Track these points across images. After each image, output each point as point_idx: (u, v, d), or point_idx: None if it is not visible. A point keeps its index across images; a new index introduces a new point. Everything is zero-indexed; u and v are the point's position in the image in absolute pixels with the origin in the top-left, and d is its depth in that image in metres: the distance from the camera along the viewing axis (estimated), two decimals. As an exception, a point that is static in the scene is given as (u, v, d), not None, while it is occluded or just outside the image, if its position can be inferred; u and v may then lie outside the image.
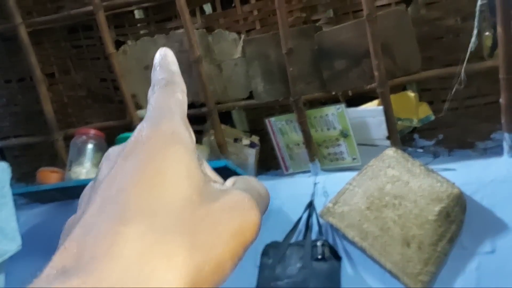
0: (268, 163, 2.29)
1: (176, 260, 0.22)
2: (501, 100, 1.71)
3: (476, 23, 1.68)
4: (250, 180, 0.31)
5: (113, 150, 0.29)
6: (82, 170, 2.01)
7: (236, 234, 0.25)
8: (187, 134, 0.27)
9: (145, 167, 0.24)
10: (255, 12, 2.09)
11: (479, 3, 1.69)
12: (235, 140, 2.19)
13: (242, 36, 2.08)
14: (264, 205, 0.29)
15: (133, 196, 0.23)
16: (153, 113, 0.28)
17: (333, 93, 1.95)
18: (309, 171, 2.09)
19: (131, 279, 0.21)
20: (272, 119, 2.10)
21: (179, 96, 0.30)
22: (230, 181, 0.31)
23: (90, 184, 0.29)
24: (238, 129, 2.29)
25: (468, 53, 1.70)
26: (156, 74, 0.31)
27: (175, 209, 0.23)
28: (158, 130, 0.26)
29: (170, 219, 0.23)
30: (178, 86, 0.31)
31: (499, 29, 1.63)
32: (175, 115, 0.28)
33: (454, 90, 1.75)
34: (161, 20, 2.21)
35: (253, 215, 0.26)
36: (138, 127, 0.27)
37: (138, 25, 2.25)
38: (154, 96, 0.30)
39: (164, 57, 0.32)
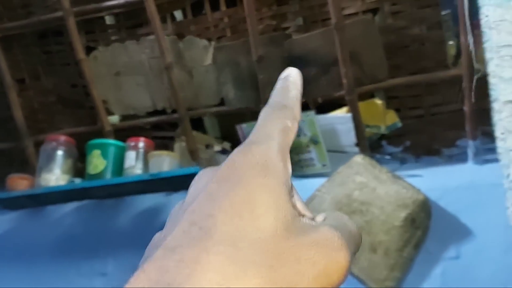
0: (240, 169, 2.30)
1: None
2: (465, 108, 1.75)
3: (464, 20, 1.71)
4: (341, 217, 0.29)
5: (204, 173, 0.29)
6: (52, 177, 1.99)
7: (321, 275, 0.23)
8: (281, 165, 0.27)
9: (234, 195, 0.24)
10: (226, 19, 2.10)
11: (442, 12, 1.72)
12: (207, 146, 2.19)
13: (213, 43, 2.09)
14: (354, 246, 0.27)
15: (219, 224, 0.23)
16: (254, 137, 0.28)
17: (303, 100, 1.97)
18: (280, 177, 2.10)
19: None
20: (244, 125, 2.10)
21: (288, 123, 0.30)
22: (321, 216, 0.29)
23: (178, 203, 0.28)
24: (210, 135, 2.30)
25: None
26: (275, 94, 0.31)
27: (259, 241, 0.23)
28: (252, 157, 0.26)
29: (254, 252, 0.22)
30: (291, 112, 0.30)
31: (462, 39, 1.66)
32: (275, 143, 0.28)
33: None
34: (132, 26, 2.21)
35: (342, 256, 0.24)
36: (235, 151, 0.27)
37: (109, 31, 2.25)
38: (263, 117, 0.30)
39: (286, 80, 0.32)
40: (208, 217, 0.23)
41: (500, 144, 1.31)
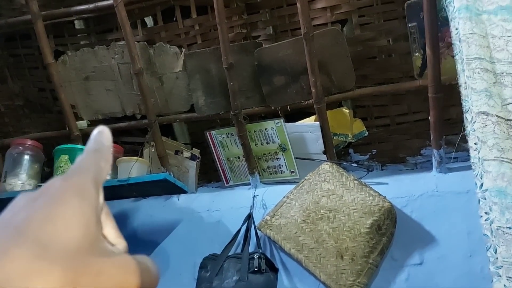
0: (209, 176, 2.31)
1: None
2: (430, 118, 1.80)
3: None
4: (145, 258, 0.33)
5: (23, 195, 0.32)
6: (18, 182, 1.96)
7: None
8: (94, 192, 0.31)
9: (51, 207, 0.28)
10: (196, 27, 2.10)
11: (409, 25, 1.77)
12: (176, 152, 2.19)
13: (184, 49, 2.09)
14: (148, 281, 0.32)
15: (33, 227, 0.26)
16: (71, 169, 0.32)
17: (273, 108, 2.00)
18: (249, 184, 2.12)
19: None
20: (213, 132, 2.12)
21: (102, 164, 0.34)
22: (121, 245, 0.34)
23: None
24: (179, 141, 2.30)
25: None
26: (89, 143, 0.35)
27: (67, 249, 0.26)
28: (68, 181, 0.30)
29: (61, 256, 0.26)
30: (103, 156, 0.35)
31: (428, 51, 1.71)
32: (90, 174, 0.32)
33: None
34: (102, 31, 2.19)
35: (133, 279, 0.29)
36: (55, 177, 0.31)
37: (78, 35, 2.23)
38: (79, 157, 0.34)
39: (100, 134, 0.36)
40: (24, 220, 0.27)
41: (473, 154, 1.34)
